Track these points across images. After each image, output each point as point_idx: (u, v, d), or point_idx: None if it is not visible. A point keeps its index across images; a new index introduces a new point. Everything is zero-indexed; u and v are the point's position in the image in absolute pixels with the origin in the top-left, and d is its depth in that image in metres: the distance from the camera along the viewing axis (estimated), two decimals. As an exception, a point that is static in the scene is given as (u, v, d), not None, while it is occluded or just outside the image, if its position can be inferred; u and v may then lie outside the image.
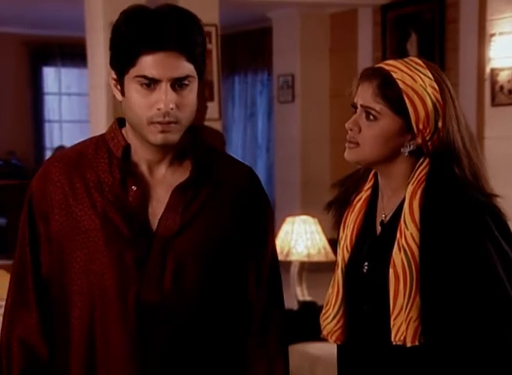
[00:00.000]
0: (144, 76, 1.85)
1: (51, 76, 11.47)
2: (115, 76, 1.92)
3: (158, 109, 1.85)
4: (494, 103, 6.64)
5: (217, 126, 6.75)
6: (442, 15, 7.81)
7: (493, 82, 6.62)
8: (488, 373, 1.91)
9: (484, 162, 2.03)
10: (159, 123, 1.86)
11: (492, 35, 6.54)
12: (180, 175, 1.95)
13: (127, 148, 1.94)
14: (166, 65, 1.84)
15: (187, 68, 1.86)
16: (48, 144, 11.34)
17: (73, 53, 10.35)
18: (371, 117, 1.99)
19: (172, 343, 1.90)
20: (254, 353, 2.02)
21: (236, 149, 11.16)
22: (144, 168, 1.95)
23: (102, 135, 2.00)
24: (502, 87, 6.58)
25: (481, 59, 7.00)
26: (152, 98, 1.86)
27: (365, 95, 2.00)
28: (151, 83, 1.85)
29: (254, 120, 11.19)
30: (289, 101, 9.48)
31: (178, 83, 1.86)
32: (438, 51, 7.85)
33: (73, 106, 11.38)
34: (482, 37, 6.94)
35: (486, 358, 1.90)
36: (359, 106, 2.02)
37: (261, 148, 11.08)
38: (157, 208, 1.92)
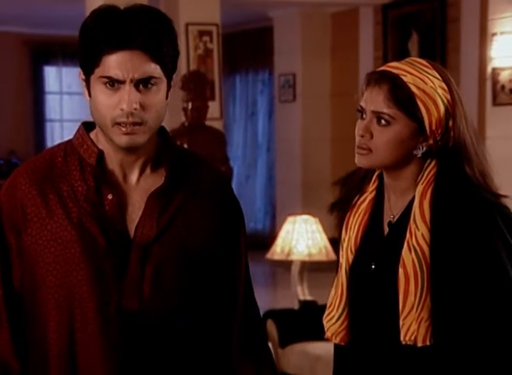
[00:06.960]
0: (107, 77, 1.81)
1: (52, 75, 11.47)
2: (83, 77, 1.90)
3: (121, 110, 1.81)
4: (495, 103, 6.64)
5: (218, 125, 6.75)
6: (444, 14, 7.81)
7: (494, 81, 6.61)
8: (499, 373, 1.90)
9: (488, 160, 2.03)
10: (123, 123, 1.81)
11: (494, 34, 6.53)
12: (155, 180, 1.90)
13: (101, 155, 1.90)
14: (129, 65, 1.80)
15: (152, 68, 1.81)
16: (48, 143, 11.32)
17: (74, 52, 10.18)
18: (384, 122, 1.96)
19: (154, 350, 1.88)
20: (240, 352, 2.00)
21: (236, 148, 11.16)
22: (117, 174, 1.90)
23: (70, 141, 1.96)
24: (503, 87, 6.57)
25: (482, 59, 7.00)
26: (116, 98, 1.81)
27: (376, 100, 1.96)
28: (114, 83, 1.81)
29: (254, 119, 11.19)
30: (290, 101, 9.49)
31: (143, 84, 1.81)
32: (439, 50, 7.86)
33: (74, 105, 11.36)
34: (484, 36, 6.94)
35: (498, 359, 1.90)
36: (369, 112, 1.98)
37: (262, 147, 11.08)
38: (133, 214, 1.88)
